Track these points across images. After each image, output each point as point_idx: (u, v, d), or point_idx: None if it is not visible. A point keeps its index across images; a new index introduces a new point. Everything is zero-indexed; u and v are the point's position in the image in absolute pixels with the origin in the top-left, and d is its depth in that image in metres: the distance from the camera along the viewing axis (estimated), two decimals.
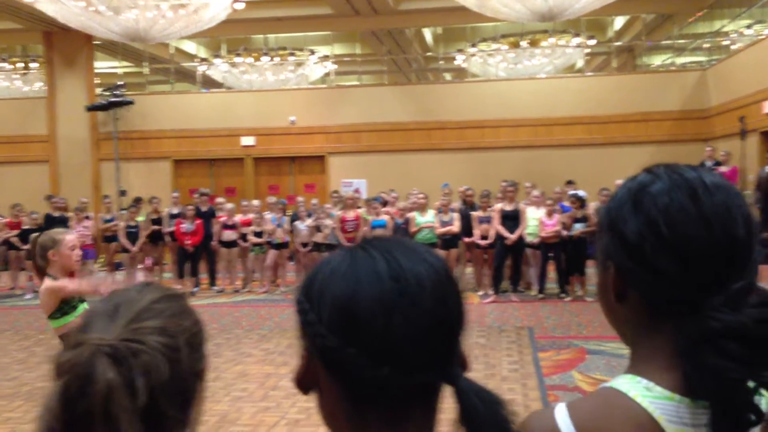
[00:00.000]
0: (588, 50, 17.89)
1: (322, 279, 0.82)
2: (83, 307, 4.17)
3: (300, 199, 12.63)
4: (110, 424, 0.83)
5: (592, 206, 10.65)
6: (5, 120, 16.72)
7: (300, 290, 0.85)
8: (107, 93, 16.08)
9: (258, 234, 11.82)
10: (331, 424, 0.85)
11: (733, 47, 15.12)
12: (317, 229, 11.67)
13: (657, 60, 19.32)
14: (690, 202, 0.91)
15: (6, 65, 18.51)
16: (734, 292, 0.87)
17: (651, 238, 0.91)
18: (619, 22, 18.20)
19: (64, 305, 4.08)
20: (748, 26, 14.74)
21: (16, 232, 12.32)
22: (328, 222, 11.62)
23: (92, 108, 16.01)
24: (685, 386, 0.88)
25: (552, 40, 17.13)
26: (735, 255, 0.90)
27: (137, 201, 12.78)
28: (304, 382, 0.85)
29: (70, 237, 4.28)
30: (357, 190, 14.53)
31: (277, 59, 18.01)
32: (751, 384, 0.84)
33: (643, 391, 0.90)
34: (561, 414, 0.92)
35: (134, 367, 0.86)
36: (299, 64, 17.96)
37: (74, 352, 0.87)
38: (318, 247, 11.74)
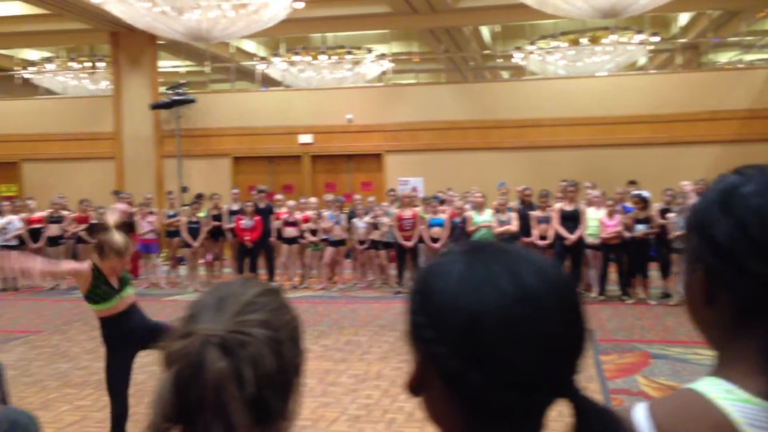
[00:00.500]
0: (651, 47, 17.46)
1: (441, 293, 0.80)
2: (128, 291, 4.30)
3: (357, 196, 12.70)
4: (221, 412, 0.86)
5: (656, 207, 10.41)
6: (74, 118, 17.29)
7: (414, 301, 0.82)
8: (170, 92, 16.45)
9: (315, 231, 11.94)
10: (443, 427, 0.85)
11: None
12: (374, 226, 11.72)
13: (723, 57, 18.73)
14: None
15: (74, 64, 19.12)
16: None
17: (742, 240, 0.90)
18: (683, 18, 17.72)
19: (94, 290, 4.19)
20: None
21: (84, 226, 12.73)
22: (385, 220, 11.65)
23: (156, 106, 16.40)
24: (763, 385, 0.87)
25: (614, 37, 16.76)
26: None
27: (199, 197, 13.06)
28: (416, 387, 0.84)
29: (131, 250, 4.40)
30: (414, 189, 14.53)
31: (334, 58, 18.14)
32: None
33: (723, 394, 0.89)
34: (642, 412, 0.92)
35: (242, 357, 0.88)
36: (356, 63, 18.05)
37: (185, 342, 0.90)
38: (375, 244, 11.79)
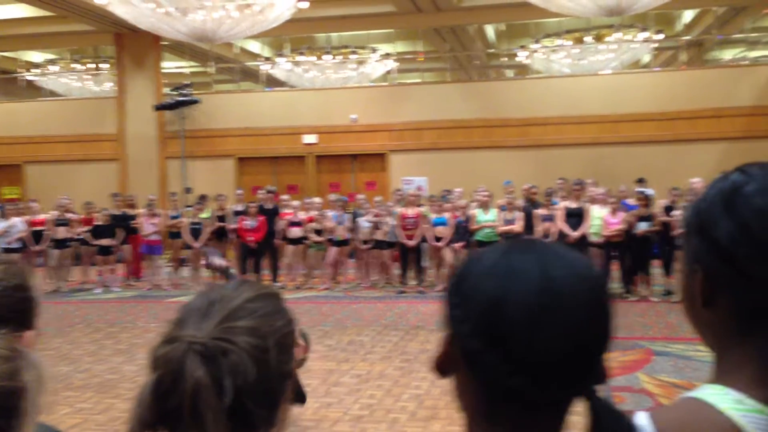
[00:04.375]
0: (655, 45, 17.40)
1: (475, 277, 0.82)
2: None
3: (361, 196, 12.69)
4: (198, 421, 0.85)
5: (661, 204, 10.37)
6: (77, 119, 17.34)
7: (452, 283, 0.85)
8: (174, 92, 16.49)
9: (318, 231, 11.93)
10: (465, 410, 0.86)
11: None
12: (377, 226, 11.71)
13: (728, 54, 18.66)
14: None
15: (78, 66, 19.18)
16: None
17: (744, 241, 0.87)
18: (688, 15, 17.65)
19: None
20: None
21: (88, 228, 12.75)
22: (389, 219, 11.64)
23: (160, 107, 16.44)
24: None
25: (618, 35, 16.71)
26: None
27: (202, 198, 13.07)
28: (442, 367, 0.86)
29: None
30: (419, 188, 14.51)
31: (339, 57, 18.14)
32: None
33: (733, 404, 0.85)
34: (644, 420, 0.88)
35: (223, 366, 0.87)
36: (361, 62, 18.05)
37: (168, 348, 0.89)
38: (379, 244, 11.78)
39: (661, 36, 17.08)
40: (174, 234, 12.56)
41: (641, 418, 0.88)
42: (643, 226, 9.91)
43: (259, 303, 0.96)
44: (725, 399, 0.86)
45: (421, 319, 9.19)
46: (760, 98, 14.72)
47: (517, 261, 0.80)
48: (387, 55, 18.02)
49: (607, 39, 16.87)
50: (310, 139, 16.58)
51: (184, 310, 0.96)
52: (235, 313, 0.93)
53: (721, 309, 0.91)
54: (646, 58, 18.43)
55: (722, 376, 0.90)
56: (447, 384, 0.88)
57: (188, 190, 16.00)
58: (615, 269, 10.47)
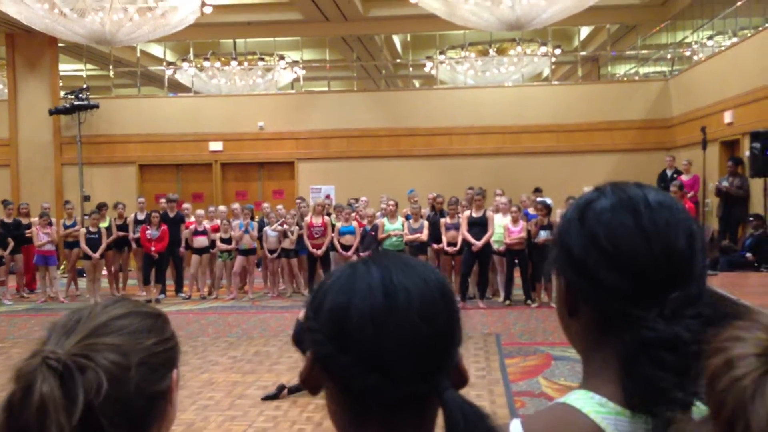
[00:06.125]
0: (554, 59, 18.13)
1: (324, 290, 0.88)
2: None
3: (266, 205, 12.56)
4: None
5: (559, 213, 10.76)
6: None
7: (310, 299, 0.90)
8: (71, 96, 15.84)
9: (225, 240, 11.73)
10: (335, 423, 0.90)
11: (695, 58, 15.45)
12: (284, 235, 11.63)
13: (621, 70, 19.64)
14: (630, 217, 0.94)
15: None
16: (669, 303, 0.89)
17: (593, 251, 0.94)
18: (584, 31, 18.48)
19: None
20: (710, 37, 15.07)
21: None
22: (295, 228, 11.59)
23: (55, 111, 15.75)
24: (624, 398, 0.90)
25: (519, 48, 17.32)
26: (675, 268, 0.92)
27: (100, 207, 12.56)
28: (309, 383, 0.89)
29: None
30: (328, 196, 14.51)
31: (245, 64, 17.92)
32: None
33: (596, 407, 0.91)
34: (517, 427, 0.93)
35: (77, 383, 0.86)
36: (268, 69, 17.90)
37: (25, 363, 0.87)
38: (286, 253, 11.70)
39: (560, 51, 17.80)
40: (70, 244, 12.04)
41: (515, 426, 0.94)
42: (543, 235, 10.27)
43: (128, 320, 0.95)
44: (589, 403, 0.92)
45: None
46: (649, 112, 15.57)
47: (361, 270, 0.87)
48: (295, 63, 17.96)
49: (509, 52, 17.44)
50: (216, 146, 16.29)
51: (50, 327, 0.94)
52: (100, 329, 0.92)
53: (583, 317, 0.98)
54: (546, 72, 19.15)
55: (588, 381, 0.97)
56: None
57: (86, 198, 15.38)
58: (517, 276, 10.79)
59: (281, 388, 6.09)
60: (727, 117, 12.26)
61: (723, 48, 13.53)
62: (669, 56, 17.03)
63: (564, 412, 0.93)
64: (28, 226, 12.32)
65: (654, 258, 0.92)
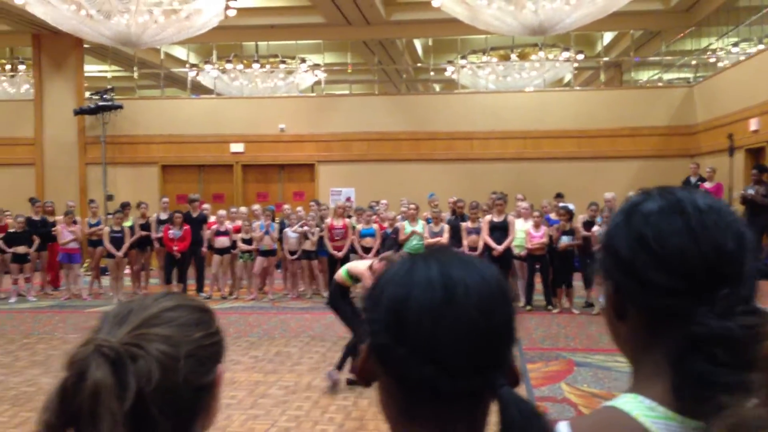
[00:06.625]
0: (577, 65, 18.05)
1: (384, 282, 0.89)
2: None
3: (286, 206, 12.61)
4: (95, 422, 0.85)
5: (580, 219, 10.71)
6: None
7: (368, 292, 0.92)
8: (96, 97, 16.00)
9: (246, 241, 11.79)
10: (386, 414, 0.90)
11: (719, 65, 15.32)
12: (305, 236, 11.67)
13: (644, 76, 19.51)
14: (679, 219, 0.94)
15: None
16: (720, 300, 0.89)
17: (641, 253, 0.94)
18: (607, 37, 18.39)
19: None
20: (735, 44, 14.95)
21: (0, 235, 12.19)
22: (316, 230, 11.62)
23: (80, 111, 15.92)
24: (674, 401, 0.89)
25: (541, 54, 17.27)
26: (724, 267, 0.92)
27: (124, 206, 12.69)
28: (364, 375, 0.90)
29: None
30: (348, 199, 14.54)
31: (267, 67, 18.02)
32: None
33: (646, 411, 0.90)
34: (564, 429, 0.93)
35: (129, 371, 0.87)
36: (290, 72, 17.99)
37: (78, 350, 0.89)
38: (307, 254, 11.73)
39: (582, 56, 17.73)
40: (94, 242, 12.16)
41: (562, 428, 0.94)
42: (565, 240, 10.21)
43: (177, 313, 0.97)
44: (639, 407, 0.91)
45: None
46: (673, 118, 15.45)
47: (420, 264, 0.88)
48: (316, 66, 18.03)
49: (531, 57, 17.39)
50: (237, 148, 16.39)
51: (102, 317, 0.97)
52: (151, 320, 0.94)
53: (632, 320, 0.97)
54: (568, 77, 19.08)
55: (637, 385, 0.96)
56: (374, 396, 0.91)
57: (109, 198, 15.53)
58: (538, 282, 10.75)
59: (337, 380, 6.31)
60: (753, 124, 12.14)
61: (749, 55, 13.40)
62: (693, 63, 16.90)
63: (612, 415, 0.93)
64: (53, 224, 12.47)
65: (703, 257, 0.92)
